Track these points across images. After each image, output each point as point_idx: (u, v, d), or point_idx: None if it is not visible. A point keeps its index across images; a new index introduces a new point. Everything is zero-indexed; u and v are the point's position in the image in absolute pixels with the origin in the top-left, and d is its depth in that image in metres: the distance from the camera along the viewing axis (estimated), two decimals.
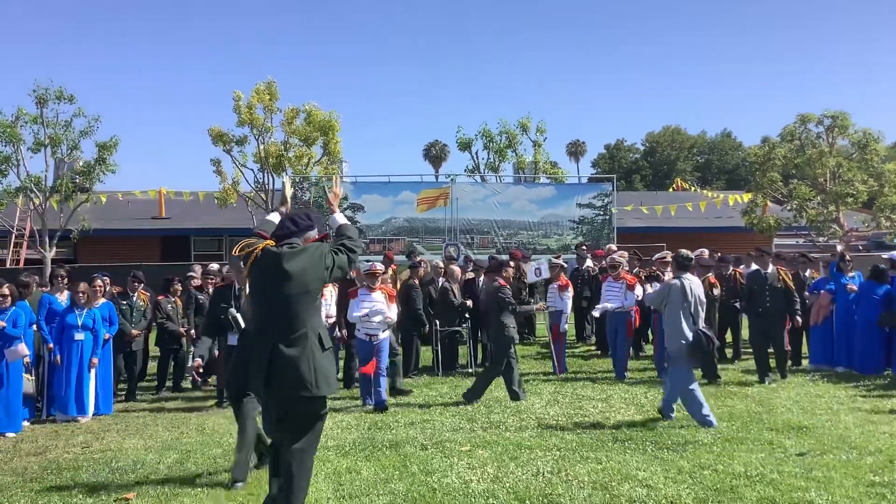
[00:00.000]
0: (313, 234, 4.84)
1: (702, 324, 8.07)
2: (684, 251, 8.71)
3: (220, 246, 30.29)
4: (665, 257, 11.56)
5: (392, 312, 9.67)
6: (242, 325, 6.11)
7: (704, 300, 8.37)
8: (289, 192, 5.56)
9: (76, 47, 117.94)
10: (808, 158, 22.78)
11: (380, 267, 9.90)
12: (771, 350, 10.89)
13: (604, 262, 13.09)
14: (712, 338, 8.09)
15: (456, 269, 12.82)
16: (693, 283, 8.20)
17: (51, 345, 9.28)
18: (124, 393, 10.57)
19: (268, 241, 4.71)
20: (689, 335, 7.96)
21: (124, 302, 10.75)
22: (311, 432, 4.63)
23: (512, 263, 13.22)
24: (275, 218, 5.09)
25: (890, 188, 22.18)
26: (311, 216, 4.87)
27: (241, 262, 4.73)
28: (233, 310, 6.34)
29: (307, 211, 4.97)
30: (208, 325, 7.11)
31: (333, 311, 10.66)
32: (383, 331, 9.47)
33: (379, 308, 9.37)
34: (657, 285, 10.22)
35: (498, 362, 9.59)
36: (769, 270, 10.75)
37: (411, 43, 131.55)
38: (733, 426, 7.83)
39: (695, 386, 8.01)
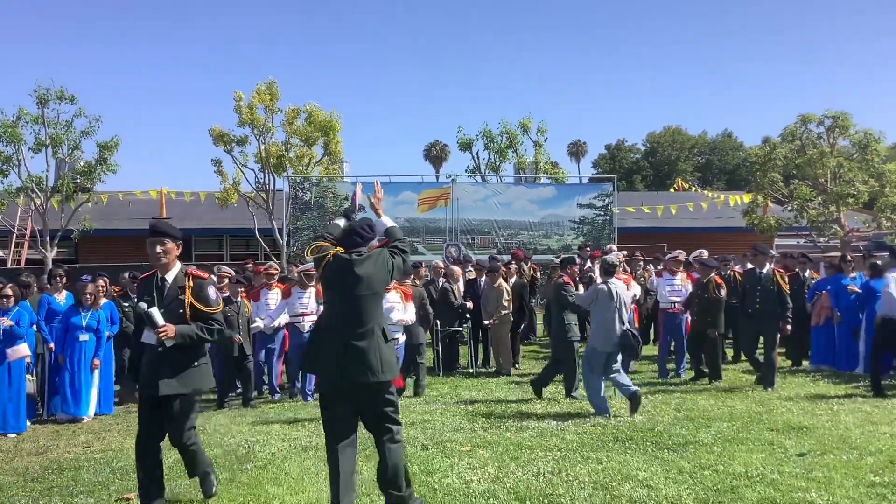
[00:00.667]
0: (375, 242, 5.43)
1: (627, 324, 8.73)
2: (609, 258, 9.48)
3: (220, 246, 30.31)
4: (678, 256, 11.57)
5: (408, 314, 9.26)
6: (160, 321, 5.23)
7: (629, 301, 9.12)
8: (360, 197, 5.99)
9: (76, 47, 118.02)
10: (809, 159, 22.80)
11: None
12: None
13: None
14: (638, 336, 8.84)
15: (457, 269, 12.83)
16: (618, 287, 8.83)
17: (51, 345, 9.30)
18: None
19: (338, 248, 5.25)
20: (618, 333, 8.58)
21: (126, 303, 10.67)
22: (389, 415, 5.16)
23: (514, 264, 13.27)
24: (341, 222, 5.54)
25: (891, 188, 22.20)
26: (372, 227, 5.46)
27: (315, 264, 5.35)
28: (143, 304, 5.34)
29: (368, 222, 5.52)
30: (136, 326, 5.90)
31: (312, 306, 10.13)
32: (402, 333, 9.16)
33: (389, 308, 8.62)
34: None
35: (565, 360, 9.80)
36: (765, 271, 10.29)
37: (411, 43, 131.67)
38: (734, 426, 7.83)
39: (599, 378, 8.73)
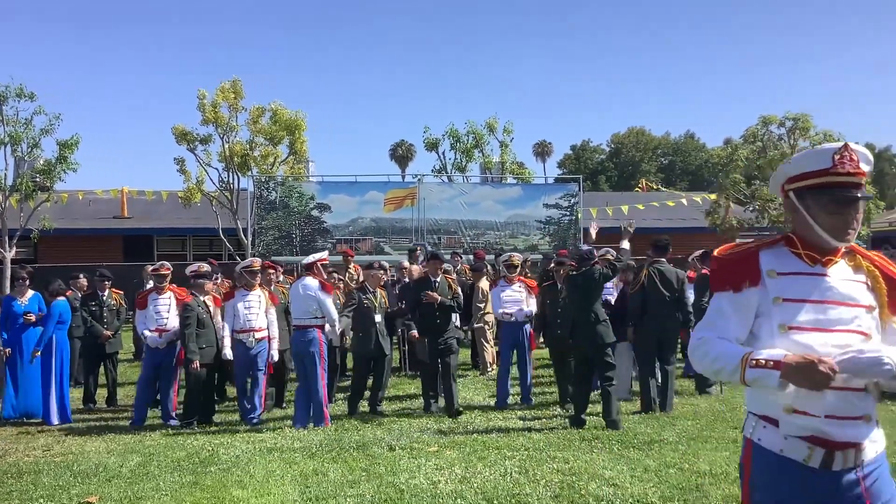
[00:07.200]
0: (591, 262, 8.04)
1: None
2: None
3: (183, 246, 29.90)
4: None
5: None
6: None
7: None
8: (594, 232, 8.59)
9: (36, 44, 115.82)
10: (770, 160, 23.12)
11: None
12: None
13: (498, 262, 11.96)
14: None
15: (415, 268, 12.68)
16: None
17: (7, 350, 8.98)
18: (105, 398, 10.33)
19: (572, 265, 8.45)
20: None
21: (93, 302, 10.27)
22: (605, 362, 8.01)
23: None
24: (582, 248, 8.55)
25: None
26: (591, 252, 8.21)
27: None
28: None
29: (591, 247, 8.35)
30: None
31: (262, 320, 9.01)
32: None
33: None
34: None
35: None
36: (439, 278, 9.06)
37: (377, 43, 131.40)
38: (698, 425, 7.91)
39: None
